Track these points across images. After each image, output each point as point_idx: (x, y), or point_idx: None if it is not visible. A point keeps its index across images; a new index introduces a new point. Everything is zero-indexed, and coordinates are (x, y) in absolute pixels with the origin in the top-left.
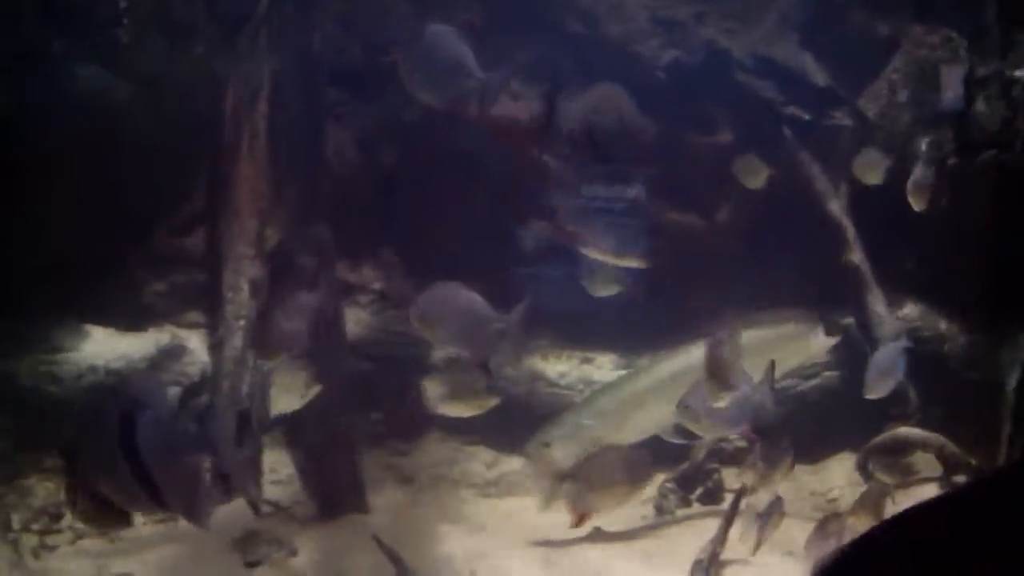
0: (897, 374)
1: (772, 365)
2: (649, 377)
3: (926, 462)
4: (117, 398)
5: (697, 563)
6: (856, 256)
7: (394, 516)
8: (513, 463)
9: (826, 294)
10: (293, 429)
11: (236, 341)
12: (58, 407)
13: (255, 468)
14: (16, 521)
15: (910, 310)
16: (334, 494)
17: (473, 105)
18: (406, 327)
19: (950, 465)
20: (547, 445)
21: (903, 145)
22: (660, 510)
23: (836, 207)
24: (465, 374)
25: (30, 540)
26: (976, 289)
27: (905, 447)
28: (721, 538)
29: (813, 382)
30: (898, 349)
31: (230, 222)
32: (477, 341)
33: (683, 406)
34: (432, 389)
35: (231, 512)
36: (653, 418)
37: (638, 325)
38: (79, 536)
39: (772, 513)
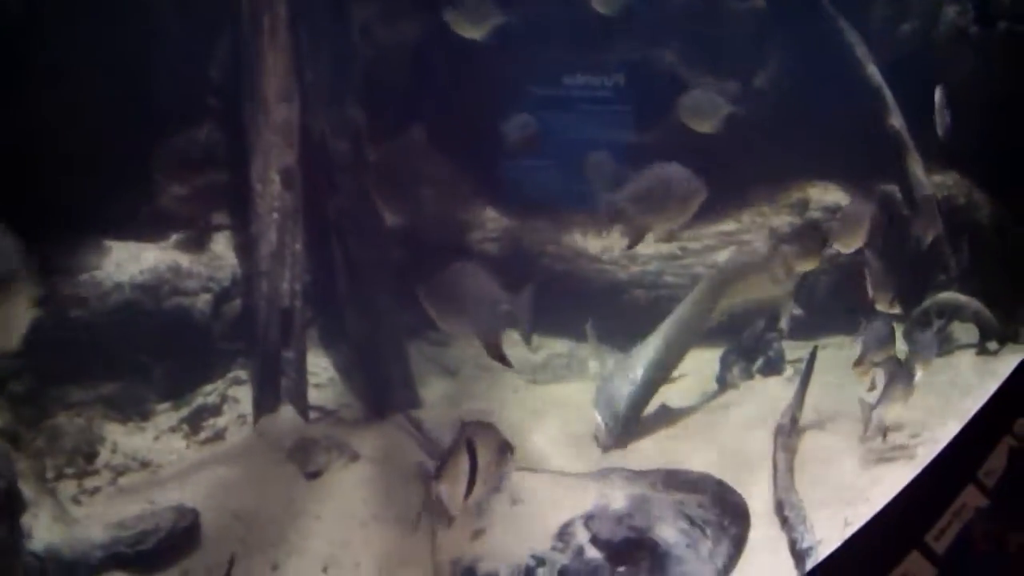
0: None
1: None
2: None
3: (963, 330)
4: None
5: (779, 427)
6: (896, 121)
7: (448, 410)
8: (558, 346)
9: (866, 159)
10: (333, 326)
11: (271, 235)
12: (84, 332)
13: (301, 371)
14: (49, 468)
15: (944, 178)
16: (384, 391)
17: None
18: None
19: (985, 331)
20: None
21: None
22: (722, 382)
23: (875, 72)
24: None
25: (67, 487)
26: (1000, 158)
27: (948, 313)
28: (799, 402)
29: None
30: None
31: (256, 111)
32: (485, 324)
33: None
34: None
35: (277, 421)
36: None
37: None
38: (118, 473)
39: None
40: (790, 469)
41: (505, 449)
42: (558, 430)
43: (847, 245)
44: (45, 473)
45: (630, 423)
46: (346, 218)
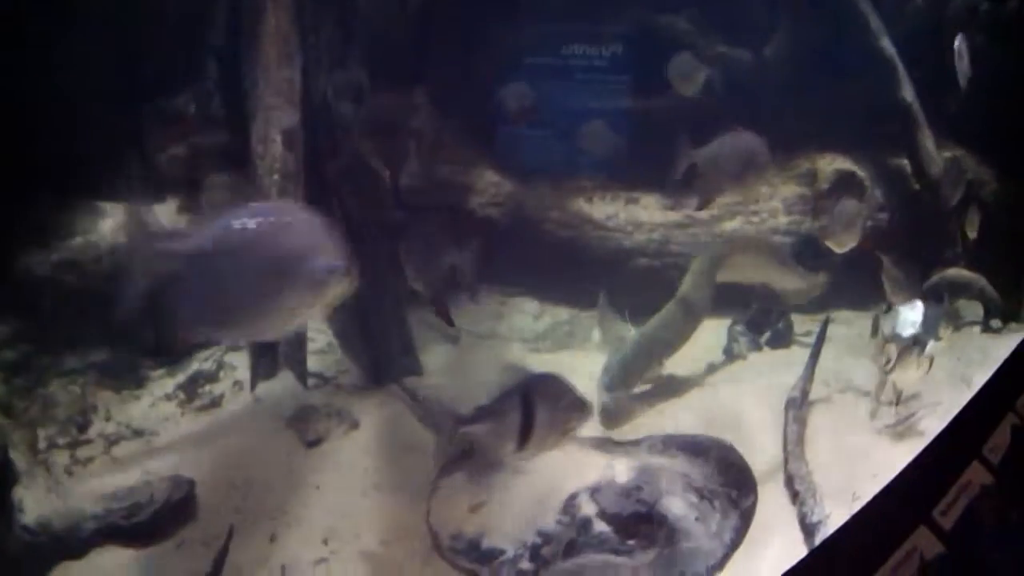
0: None
1: None
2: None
3: (969, 307)
4: None
5: (790, 401)
6: (908, 94)
7: (449, 377)
8: (561, 313)
9: (877, 131)
10: None
11: (272, 197)
12: (78, 297)
13: (300, 336)
14: (42, 438)
15: (952, 153)
16: (385, 358)
17: None
18: (446, 174)
19: (989, 308)
20: None
21: None
22: (730, 354)
23: (887, 44)
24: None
25: (60, 457)
26: (1007, 136)
27: (955, 289)
28: (810, 375)
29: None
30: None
31: (257, 72)
32: (428, 277)
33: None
34: None
35: (275, 388)
36: None
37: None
38: (112, 443)
39: None
40: (801, 442)
41: (578, 407)
42: None
43: (840, 244)
44: (37, 444)
45: (619, 394)
46: (347, 181)
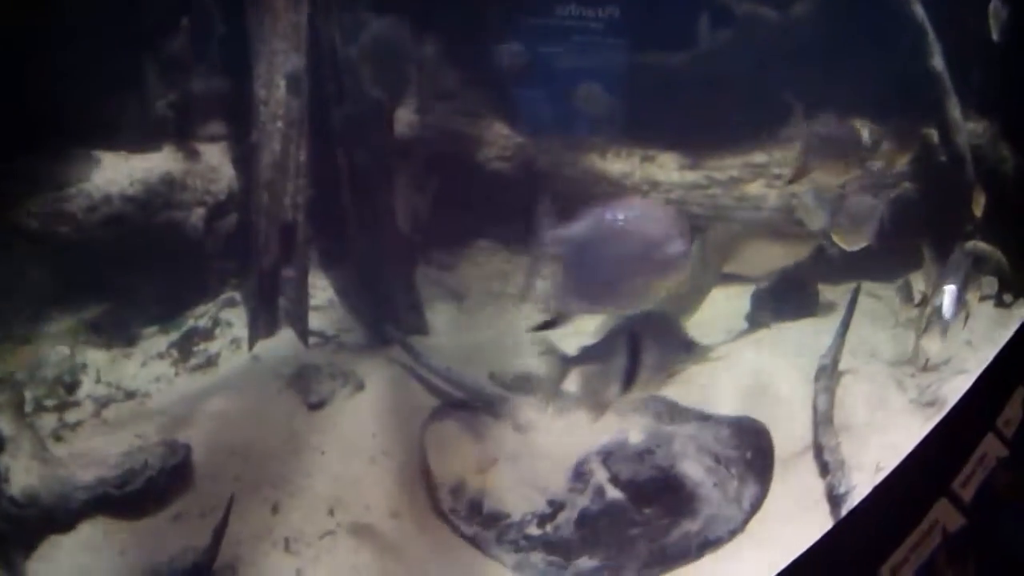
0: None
1: None
2: None
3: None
4: None
5: (821, 369)
6: (937, 62)
7: (457, 337)
8: None
9: (906, 98)
10: (334, 245)
11: (274, 145)
12: (71, 250)
13: (302, 291)
14: (30, 401)
15: (976, 126)
16: (390, 315)
17: None
18: (454, 123)
19: (1004, 282)
20: None
21: None
22: (753, 321)
23: (919, 9)
24: None
25: (47, 421)
26: None
27: (976, 262)
28: (840, 344)
29: (893, 192)
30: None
31: (262, 14)
32: None
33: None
34: None
35: (274, 346)
36: None
37: (703, 123)
38: (102, 405)
39: None
40: (830, 412)
41: (685, 348)
42: None
43: (851, 244)
44: (23, 406)
45: None
46: (354, 129)
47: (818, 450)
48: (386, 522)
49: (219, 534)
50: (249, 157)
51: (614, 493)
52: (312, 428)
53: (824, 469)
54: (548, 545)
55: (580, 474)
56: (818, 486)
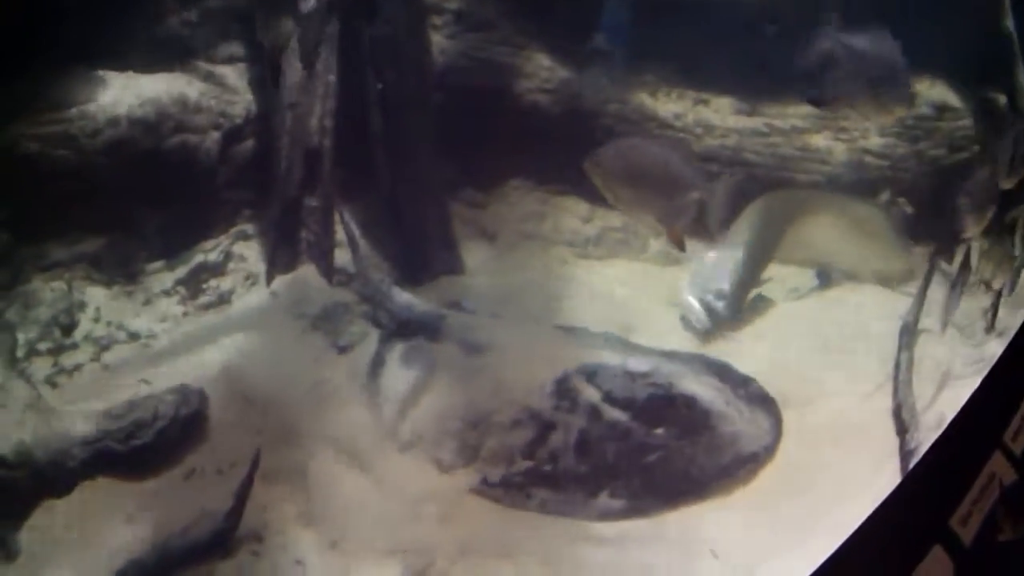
0: None
1: None
2: None
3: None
4: None
5: (904, 326)
6: (1010, 23)
7: (492, 278)
8: (613, 219)
9: (976, 59)
10: (361, 174)
11: (301, 64)
12: (71, 177)
13: (327, 223)
14: (22, 343)
15: None
16: (422, 252)
17: None
18: (490, 52)
19: None
20: None
21: None
22: (824, 279)
23: None
24: None
25: (42, 366)
26: None
27: None
28: (921, 302)
29: (959, 155)
30: None
31: None
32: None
33: None
34: None
35: (294, 283)
36: None
37: (760, 65)
38: (103, 347)
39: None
40: (911, 371)
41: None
42: (608, 314)
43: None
44: (15, 350)
45: (736, 304)
46: (386, 48)
47: (897, 408)
48: (430, 475)
49: (242, 496)
50: (274, 77)
51: (614, 413)
52: (342, 373)
53: (902, 427)
54: (550, 479)
55: (563, 392)
56: (895, 444)
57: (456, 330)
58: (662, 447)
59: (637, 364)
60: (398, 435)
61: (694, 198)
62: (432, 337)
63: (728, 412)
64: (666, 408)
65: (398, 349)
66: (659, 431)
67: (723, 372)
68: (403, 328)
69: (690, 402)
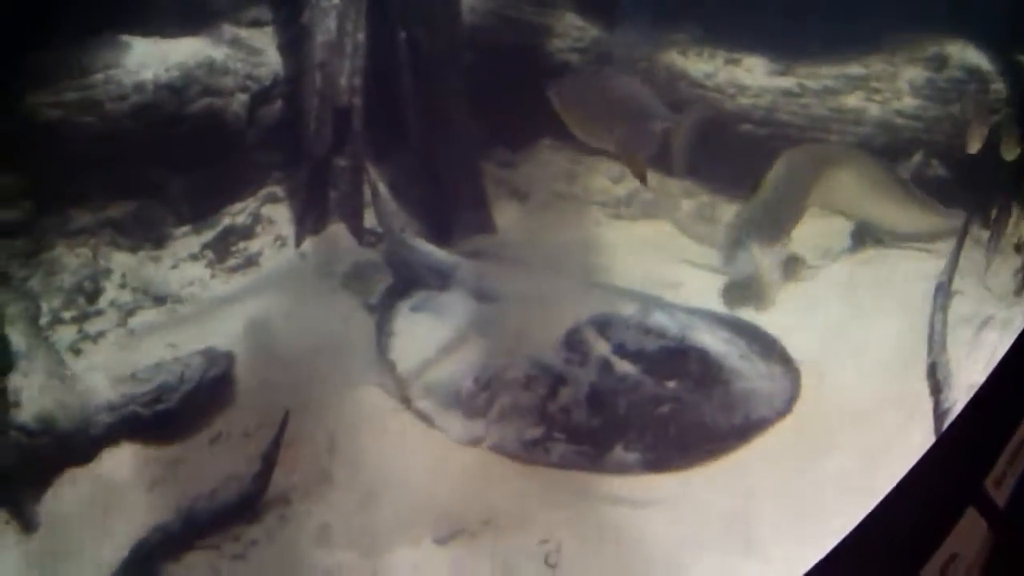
0: None
1: None
2: None
3: None
4: None
5: (939, 286)
6: None
7: (525, 236)
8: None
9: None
10: (391, 133)
11: (330, 22)
12: (96, 143)
13: (356, 183)
14: (45, 312)
15: None
16: (454, 212)
17: None
18: (520, 11)
19: None
20: None
21: None
22: (857, 240)
23: None
24: None
25: (66, 333)
26: None
27: None
28: (955, 263)
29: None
30: None
31: None
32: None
33: None
34: None
35: (324, 243)
36: None
37: (795, 25)
38: (128, 313)
39: None
40: (944, 331)
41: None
42: (637, 273)
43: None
44: (38, 318)
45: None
46: (416, 7)
47: (932, 367)
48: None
49: (270, 460)
50: (300, 39)
51: (624, 365)
52: (372, 332)
53: (936, 387)
54: (565, 433)
55: (574, 344)
56: (929, 405)
57: (471, 278)
58: (674, 399)
59: (649, 316)
60: (412, 393)
61: (657, 127)
62: (446, 286)
63: (742, 368)
64: (678, 360)
65: (409, 301)
66: (671, 383)
67: (741, 328)
68: (418, 278)
69: (703, 355)
